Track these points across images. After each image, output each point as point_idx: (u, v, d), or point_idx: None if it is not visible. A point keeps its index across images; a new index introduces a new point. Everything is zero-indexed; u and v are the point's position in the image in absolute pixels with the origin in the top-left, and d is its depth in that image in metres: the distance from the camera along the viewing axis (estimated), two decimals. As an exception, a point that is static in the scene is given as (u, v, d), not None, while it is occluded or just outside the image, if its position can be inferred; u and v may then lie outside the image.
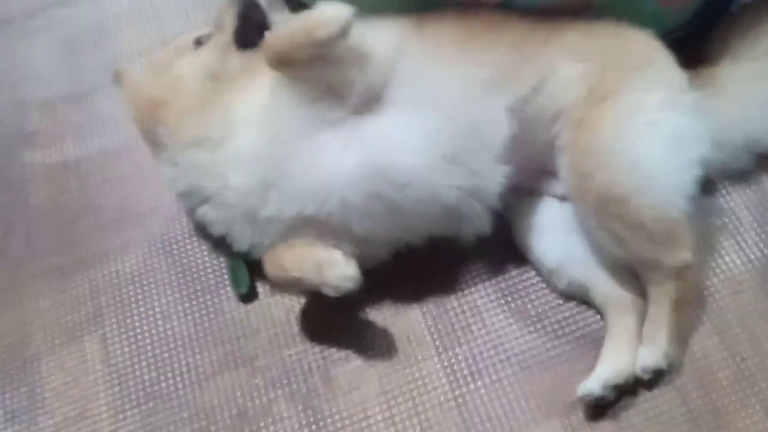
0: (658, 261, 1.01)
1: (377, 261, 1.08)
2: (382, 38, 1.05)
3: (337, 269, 0.99)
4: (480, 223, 1.07)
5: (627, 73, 1.04)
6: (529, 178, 1.12)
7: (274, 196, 1.03)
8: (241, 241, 1.09)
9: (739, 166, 1.11)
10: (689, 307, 1.05)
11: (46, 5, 1.60)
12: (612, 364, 1.01)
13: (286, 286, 1.08)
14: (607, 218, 1.00)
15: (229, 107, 1.07)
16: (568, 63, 1.05)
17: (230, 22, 1.15)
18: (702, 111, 1.06)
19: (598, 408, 1.01)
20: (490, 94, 1.04)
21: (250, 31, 1.14)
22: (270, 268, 1.06)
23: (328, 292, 1.00)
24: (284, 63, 1.01)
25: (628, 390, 1.02)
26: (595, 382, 0.99)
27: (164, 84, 1.14)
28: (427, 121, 1.02)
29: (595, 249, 1.06)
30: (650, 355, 1.00)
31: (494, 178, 1.05)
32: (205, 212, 1.11)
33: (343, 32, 0.97)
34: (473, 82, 1.03)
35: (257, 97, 1.05)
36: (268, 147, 1.03)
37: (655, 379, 1.02)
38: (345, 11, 0.97)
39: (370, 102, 1.03)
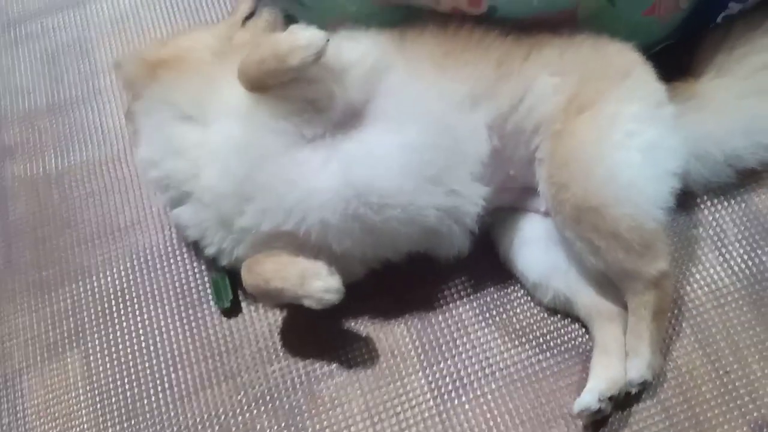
0: (636, 271, 1.00)
1: (356, 277, 1.07)
2: (361, 52, 1.04)
3: (321, 281, 0.98)
4: (459, 243, 1.07)
5: (605, 85, 1.04)
6: (512, 196, 1.11)
7: (251, 209, 1.02)
8: (213, 247, 1.08)
9: (721, 179, 1.11)
10: (667, 316, 1.05)
11: (28, 17, 1.60)
12: (604, 376, 1.01)
13: (263, 296, 1.06)
14: (584, 229, 1.00)
15: (214, 88, 1.05)
16: (546, 77, 1.04)
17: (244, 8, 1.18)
18: (682, 123, 1.06)
19: (587, 423, 1.01)
20: (469, 110, 1.04)
21: None
22: (249, 277, 1.03)
23: (310, 304, 0.99)
24: (258, 87, 0.99)
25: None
26: (590, 397, 0.99)
27: (172, 50, 1.14)
28: (408, 138, 1.01)
29: (577, 261, 1.06)
30: (635, 369, 1.00)
31: (473, 198, 1.04)
32: (180, 214, 1.09)
33: (317, 58, 0.95)
34: (453, 99, 1.03)
35: (240, 89, 1.02)
36: (243, 155, 1.01)
37: (640, 390, 1.02)
38: (319, 37, 0.95)
39: (350, 117, 1.02)
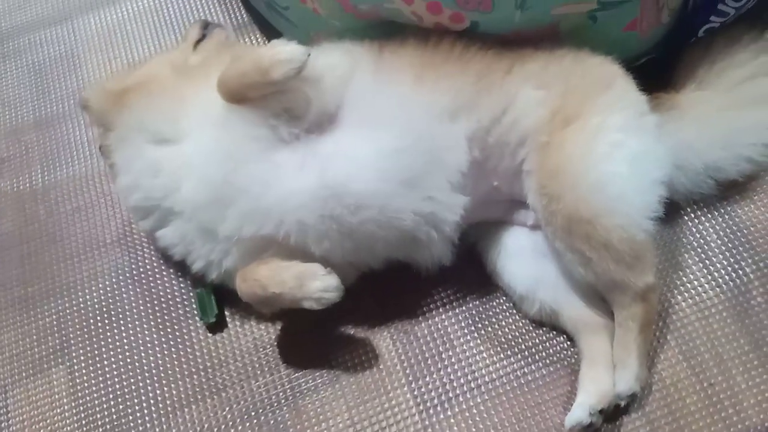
0: (624, 283, 1.01)
1: (343, 283, 1.07)
2: (336, 58, 1.06)
3: (319, 281, 0.98)
4: (438, 251, 1.07)
5: (588, 96, 1.05)
6: (498, 210, 1.12)
7: (231, 214, 1.02)
8: (201, 261, 1.08)
9: (702, 190, 1.12)
10: (653, 328, 1.05)
11: (15, 31, 1.60)
12: (594, 390, 1.01)
13: (261, 304, 1.05)
14: (575, 240, 1.00)
15: (184, 105, 1.06)
16: (529, 90, 1.05)
17: (194, 33, 1.21)
18: (662, 133, 1.07)
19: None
20: (448, 121, 1.04)
21: None
22: (244, 286, 1.03)
23: (311, 305, 0.98)
24: (238, 99, 1.00)
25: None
26: (581, 411, 0.99)
27: (135, 77, 1.15)
28: (384, 143, 1.01)
29: (564, 273, 1.07)
30: (624, 381, 1.00)
31: (451, 206, 1.04)
32: (165, 235, 1.09)
33: (299, 72, 0.97)
34: (431, 109, 1.03)
35: (210, 102, 1.03)
36: (220, 162, 1.02)
37: (628, 402, 1.02)
38: (300, 52, 0.97)
39: (325, 121, 1.03)
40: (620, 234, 0.98)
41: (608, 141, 1.02)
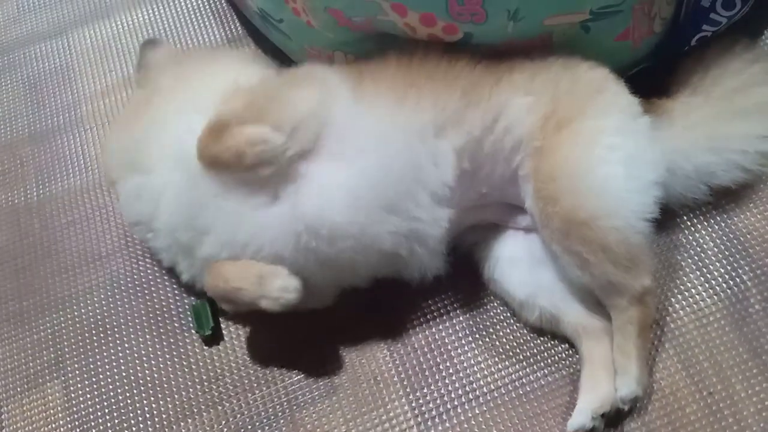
0: (622, 285, 1.00)
1: (326, 302, 1.08)
2: (314, 102, 1.03)
3: (279, 280, 0.98)
4: (426, 265, 1.06)
5: (581, 101, 1.05)
6: (491, 213, 1.12)
7: (208, 240, 1.03)
8: (186, 274, 1.09)
9: (695, 196, 1.12)
10: (651, 331, 1.05)
11: (10, 46, 1.60)
12: (596, 394, 1.00)
13: (223, 299, 1.05)
14: (572, 242, 1.00)
15: (147, 137, 1.08)
16: (518, 98, 1.05)
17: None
18: (654, 137, 1.07)
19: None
20: (433, 137, 1.03)
21: None
22: (210, 279, 1.03)
23: (268, 305, 0.99)
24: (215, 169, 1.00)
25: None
26: (584, 416, 0.99)
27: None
28: (360, 170, 1.00)
29: (563, 278, 1.06)
30: (625, 385, 1.00)
31: (435, 221, 1.04)
32: (153, 241, 1.11)
33: (275, 155, 0.98)
34: (413, 128, 1.03)
35: (168, 135, 1.05)
36: (189, 197, 1.02)
37: (630, 407, 1.01)
38: (276, 137, 0.98)
39: (299, 157, 1.01)
40: (616, 236, 0.98)
41: (604, 144, 1.02)
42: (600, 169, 1.01)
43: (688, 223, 1.17)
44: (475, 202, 1.09)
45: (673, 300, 1.11)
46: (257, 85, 1.06)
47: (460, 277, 1.11)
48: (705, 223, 1.17)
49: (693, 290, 1.12)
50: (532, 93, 1.05)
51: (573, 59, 1.09)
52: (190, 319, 1.18)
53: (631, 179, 1.01)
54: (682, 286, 1.12)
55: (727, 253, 1.14)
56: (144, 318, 1.20)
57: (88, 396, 1.14)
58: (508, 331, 1.12)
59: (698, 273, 1.13)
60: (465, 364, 1.10)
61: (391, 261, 1.05)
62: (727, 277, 1.12)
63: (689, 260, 1.14)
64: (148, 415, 1.11)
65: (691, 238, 1.16)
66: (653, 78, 1.19)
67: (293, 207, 0.99)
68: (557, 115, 1.04)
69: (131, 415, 1.12)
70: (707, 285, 1.12)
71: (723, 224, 1.16)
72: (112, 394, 1.14)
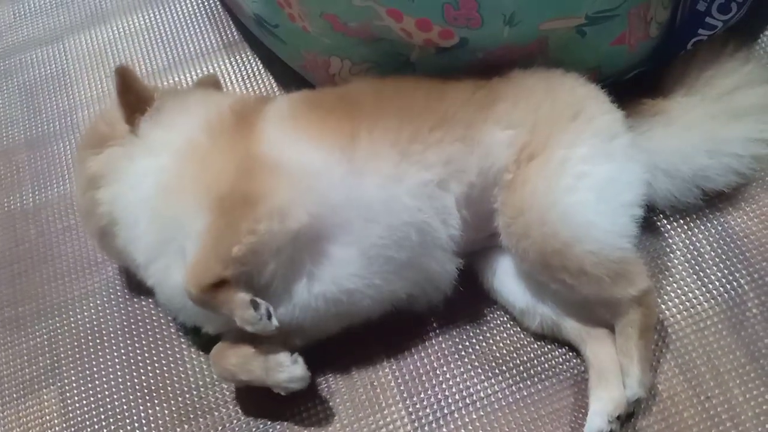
0: (614, 297, 1.01)
1: (332, 333, 1.08)
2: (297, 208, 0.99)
3: (285, 373, 1.01)
4: (434, 299, 1.08)
5: (554, 130, 1.04)
6: (487, 241, 1.10)
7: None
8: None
9: (688, 199, 1.12)
10: (653, 332, 1.05)
11: (6, 52, 1.60)
12: (608, 397, 1.00)
13: (236, 383, 1.08)
14: (554, 271, 1.00)
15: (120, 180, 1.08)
16: (499, 132, 1.05)
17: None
18: (648, 137, 1.08)
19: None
20: (439, 192, 1.03)
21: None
22: (216, 369, 1.06)
23: (279, 392, 1.02)
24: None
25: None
26: (600, 420, 0.98)
27: None
28: (372, 244, 1.01)
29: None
30: (628, 388, 1.00)
31: (447, 271, 1.06)
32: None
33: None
34: (420, 187, 1.02)
35: (139, 188, 1.05)
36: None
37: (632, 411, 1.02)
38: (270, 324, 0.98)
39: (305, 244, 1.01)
40: (591, 260, 0.98)
41: (572, 173, 1.01)
42: (568, 198, 1.00)
43: (685, 227, 1.17)
44: (480, 243, 1.10)
45: (670, 304, 1.11)
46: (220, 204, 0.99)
47: (458, 284, 1.10)
48: (702, 227, 1.17)
49: (690, 294, 1.12)
50: (513, 125, 1.05)
51: (555, 77, 1.09)
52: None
53: (603, 203, 1.01)
54: (679, 290, 1.12)
55: (724, 257, 1.14)
56: (140, 324, 1.20)
57: (84, 402, 1.14)
58: (505, 336, 1.12)
59: (695, 277, 1.13)
60: (461, 370, 1.10)
61: (403, 302, 1.07)
62: (724, 281, 1.12)
63: (686, 264, 1.14)
64: (144, 421, 1.11)
65: (687, 242, 1.16)
66: (649, 82, 1.19)
67: (309, 291, 1.01)
68: (531, 145, 1.03)
69: (127, 420, 1.11)
70: (704, 289, 1.12)
71: (720, 228, 1.16)
72: (108, 399, 1.14)
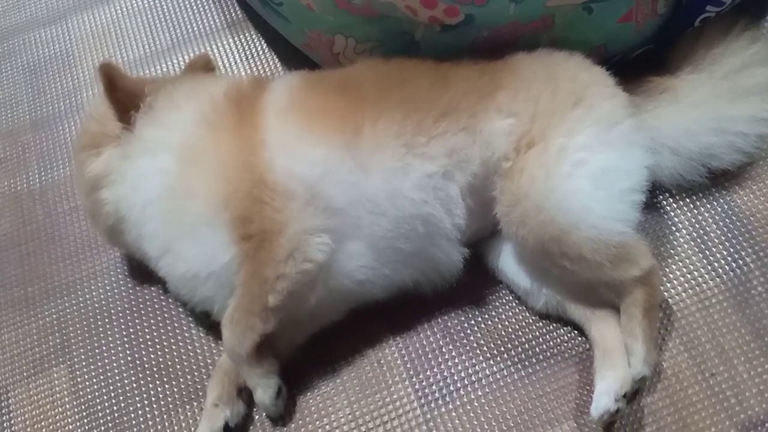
0: (616, 279, 1.01)
1: (338, 318, 1.09)
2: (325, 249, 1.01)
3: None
4: (440, 286, 1.09)
5: (555, 118, 1.03)
6: (494, 226, 1.09)
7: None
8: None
9: (693, 177, 1.11)
10: (658, 311, 1.05)
11: (9, 32, 1.59)
12: (614, 376, 1.00)
13: None
14: (554, 257, 1.00)
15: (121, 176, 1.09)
16: (500, 121, 1.04)
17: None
18: (655, 115, 1.07)
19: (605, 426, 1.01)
20: (443, 182, 1.03)
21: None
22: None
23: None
24: None
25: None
26: (607, 398, 0.98)
27: None
28: (379, 238, 1.02)
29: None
30: (632, 366, 1.00)
31: (452, 260, 1.06)
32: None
33: None
34: (426, 179, 1.02)
35: (143, 191, 1.05)
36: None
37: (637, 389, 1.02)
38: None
39: None
40: (590, 245, 0.98)
41: (570, 161, 1.01)
42: (565, 185, 1.00)
43: (691, 206, 1.17)
44: (487, 230, 1.10)
45: (675, 282, 1.11)
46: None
47: (463, 264, 1.10)
48: (708, 206, 1.17)
49: (695, 272, 1.12)
50: (513, 114, 1.04)
51: (561, 63, 1.08)
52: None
53: (600, 190, 1.00)
54: (684, 269, 1.12)
55: (729, 235, 1.14)
56: (148, 303, 1.21)
57: (94, 380, 1.16)
58: (510, 315, 1.12)
59: (701, 255, 1.13)
60: (467, 348, 1.10)
61: (410, 287, 1.08)
62: (729, 259, 1.12)
63: (692, 242, 1.14)
64: (153, 399, 1.12)
65: (693, 220, 1.16)
66: (657, 60, 1.18)
67: (324, 287, 1.02)
68: (530, 134, 1.03)
69: (136, 398, 1.13)
70: (710, 267, 1.12)
71: (726, 206, 1.16)
72: (117, 378, 1.15)
